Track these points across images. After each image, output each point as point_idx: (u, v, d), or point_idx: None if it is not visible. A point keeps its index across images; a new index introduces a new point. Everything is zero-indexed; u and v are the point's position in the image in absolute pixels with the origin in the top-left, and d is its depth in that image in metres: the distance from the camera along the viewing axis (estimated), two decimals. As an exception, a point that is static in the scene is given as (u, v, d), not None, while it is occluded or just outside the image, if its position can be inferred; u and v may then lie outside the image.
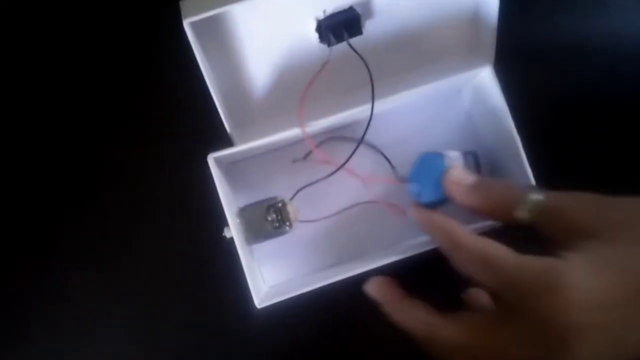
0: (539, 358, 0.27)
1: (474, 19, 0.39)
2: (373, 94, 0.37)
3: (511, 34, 0.39)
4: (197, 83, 0.35)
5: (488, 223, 0.35)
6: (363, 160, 0.42)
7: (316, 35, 0.37)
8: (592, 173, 0.43)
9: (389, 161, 0.42)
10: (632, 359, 0.26)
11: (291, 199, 0.40)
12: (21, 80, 0.44)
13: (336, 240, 0.42)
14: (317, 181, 0.41)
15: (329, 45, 0.37)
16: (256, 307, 0.36)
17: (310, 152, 0.41)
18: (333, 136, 0.42)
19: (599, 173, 0.43)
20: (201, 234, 0.42)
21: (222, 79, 0.37)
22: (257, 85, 0.39)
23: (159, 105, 0.43)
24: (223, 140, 0.39)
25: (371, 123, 0.40)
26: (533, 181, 0.37)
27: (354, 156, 0.39)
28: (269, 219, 0.38)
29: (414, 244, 0.38)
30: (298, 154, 0.42)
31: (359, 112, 0.38)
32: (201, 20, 0.32)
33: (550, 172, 0.36)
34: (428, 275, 0.37)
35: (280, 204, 0.38)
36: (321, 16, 0.36)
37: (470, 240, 0.29)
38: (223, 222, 0.37)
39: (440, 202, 0.35)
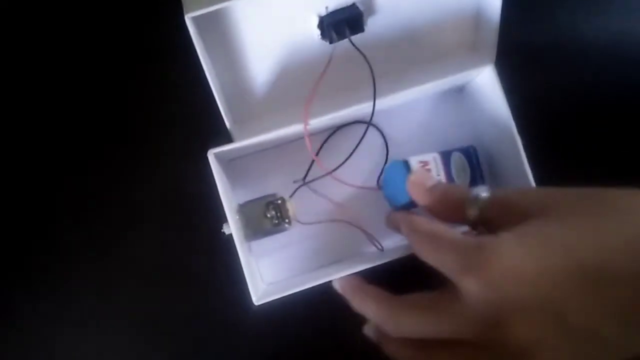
0: (478, 341, 0.27)
1: (476, 18, 0.39)
2: (375, 91, 0.37)
3: (512, 34, 0.39)
4: (198, 78, 0.35)
5: None
6: (362, 161, 0.42)
7: (318, 31, 0.37)
8: (592, 172, 0.42)
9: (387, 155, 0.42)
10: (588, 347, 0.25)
11: (291, 196, 0.40)
12: (21, 78, 0.43)
13: (334, 238, 0.42)
14: (316, 179, 0.41)
15: (330, 42, 0.37)
16: (254, 304, 0.36)
17: (308, 171, 0.42)
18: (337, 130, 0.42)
19: (599, 172, 0.42)
20: (200, 230, 0.41)
21: (222, 75, 0.37)
22: (258, 82, 0.39)
23: (159, 101, 0.43)
24: (223, 136, 0.38)
25: (372, 121, 0.40)
26: (532, 181, 0.37)
27: (353, 157, 0.40)
28: (268, 216, 0.38)
29: (406, 248, 0.38)
30: (298, 151, 0.41)
31: (359, 109, 0.38)
32: (203, 15, 0.31)
33: (550, 171, 0.36)
34: (423, 275, 0.37)
35: (279, 201, 0.38)
36: (323, 12, 0.36)
37: (423, 223, 0.32)
38: (222, 219, 0.37)
39: (411, 205, 0.37)
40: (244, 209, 0.38)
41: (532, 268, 0.26)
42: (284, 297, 0.36)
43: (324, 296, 0.37)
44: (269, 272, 0.41)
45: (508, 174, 0.40)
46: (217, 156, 0.37)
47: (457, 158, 0.40)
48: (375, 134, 0.43)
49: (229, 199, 0.37)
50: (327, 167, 0.41)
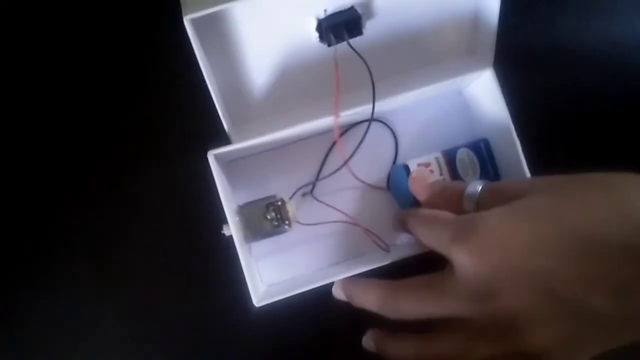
0: (473, 318, 0.28)
1: (474, 21, 0.40)
2: (374, 95, 0.37)
3: (511, 37, 0.39)
4: (197, 80, 0.35)
5: None
6: (363, 162, 0.42)
7: (316, 34, 0.37)
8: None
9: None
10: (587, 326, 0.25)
11: (291, 197, 0.40)
12: (21, 77, 0.43)
13: (335, 239, 0.42)
14: (317, 180, 0.41)
15: (329, 45, 0.37)
16: (254, 306, 0.36)
17: (314, 185, 0.42)
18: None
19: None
20: (200, 232, 0.41)
21: (221, 77, 0.37)
22: (257, 84, 0.39)
23: (158, 102, 0.43)
24: (223, 137, 0.39)
25: (372, 124, 0.40)
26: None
27: (362, 157, 0.40)
28: (268, 217, 0.38)
29: (410, 246, 0.38)
30: (298, 153, 0.42)
31: (358, 112, 0.38)
32: (202, 17, 0.32)
33: (549, 173, 0.36)
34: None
35: (279, 203, 0.38)
36: (322, 15, 0.36)
37: (423, 210, 0.34)
38: (222, 220, 0.37)
39: (412, 206, 0.39)
40: (243, 211, 0.38)
41: (520, 236, 0.26)
42: (284, 298, 0.36)
43: (324, 297, 0.37)
44: (269, 274, 0.41)
45: (508, 175, 0.40)
46: (217, 157, 0.37)
47: (463, 155, 0.40)
48: (385, 134, 0.43)
49: (228, 200, 0.37)
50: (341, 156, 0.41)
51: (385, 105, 0.39)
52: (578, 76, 0.44)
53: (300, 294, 0.36)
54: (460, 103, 0.43)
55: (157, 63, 0.43)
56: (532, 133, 0.38)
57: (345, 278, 0.36)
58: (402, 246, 0.41)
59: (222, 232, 0.37)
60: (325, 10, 0.36)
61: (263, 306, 0.36)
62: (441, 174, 0.40)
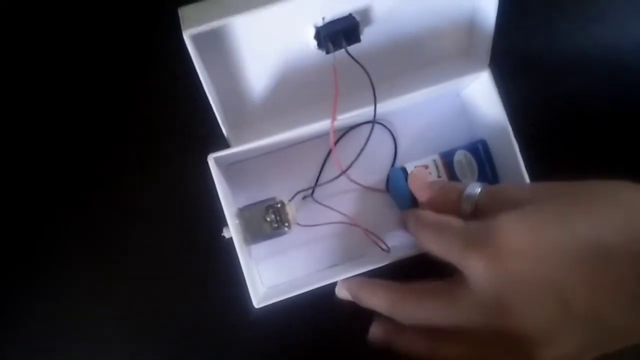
0: (486, 328, 0.27)
1: (471, 23, 0.40)
2: (375, 101, 0.37)
3: (508, 38, 0.39)
4: (196, 83, 0.35)
5: None
6: (362, 164, 0.42)
7: (315, 42, 0.37)
8: (590, 176, 0.43)
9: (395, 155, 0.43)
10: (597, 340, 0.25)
11: (290, 200, 0.41)
12: (22, 79, 0.44)
13: (334, 241, 0.42)
14: (316, 186, 0.42)
15: (327, 53, 0.37)
16: (254, 307, 0.36)
17: (314, 189, 0.42)
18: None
19: (597, 176, 0.43)
20: (200, 234, 0.42)
21: (220, 84, 0.37)
22: (255, 89, 0.39)
23: (158, 105, 0.44)
24: (223, 140, 0.39)
25: (367, 126, 0.40)
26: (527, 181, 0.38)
27: (361, 159, 0.40)
28: (268, 220, 0.38)
29: (409, 247, 0.38)
30: (297, 155, 0.42)
31: (357, 114, 0.38)
32: (201, 32, 0.32)
33: (547, 174, 0.36)
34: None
35: (279, 205, 0.39)
36: (320, 23, 0.36)
37: (427, 215, 0.33)
38: (222, 222, 0.37)
39: (412, 207, 0.39)
40: (243, 213, 0.38)
41: (534, 247, 0.26)
42: (284, 300, 0.36)
43: (324, 299, 0.37)
44: (269, 275, 0.42)
45: (506, 176, 0.40)
46: (217, 160, 0.38)
47: (461, 156, 0.41)
48: (383, 136, 0.43)
49: (228, 203, 0.37)
50: (338, 166, 0.41)
51: (383, 107, 0.39)
52: (574, 77, 0.45)
53: (300, 295, 0.36)
54: (458, 105, 0.43)
55: (157, 64, 0.43)
56: (529, 132, 0.38)
57: (349, 278, 0.36)
58: (401, 247, 0.41)
59: (222, 234, 0.37)
60: (323, 18, 0.36)
61: (263, 307, 0.36)
62: (439, 176, 0.40)
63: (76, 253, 0.43)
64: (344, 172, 0.40)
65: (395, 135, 0.43)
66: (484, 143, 0.41)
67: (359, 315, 0.34)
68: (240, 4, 0.32)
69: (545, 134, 0.43)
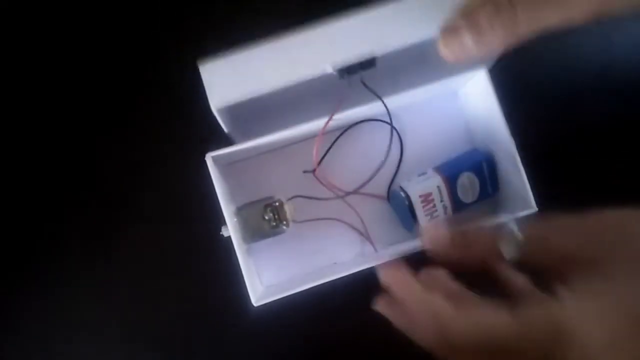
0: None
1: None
2: (390, 118, 0.37)
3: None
4: (197, 82, 0.35)
5: None
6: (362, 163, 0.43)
7: (331, 70, 0.34)
8: (588, 175, 0.43)
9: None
10: None
11: (289, 199, 0.41)
12: (24, 81, 0.44)
13: (332, 240, 0.42)
14: (314, 198, 0.42)
15: (340, 78, 0.35)
16: (253, 306, 0.36)
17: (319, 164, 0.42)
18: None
19: (595, 174, 0.43)
20: (199, 233, 0.42)
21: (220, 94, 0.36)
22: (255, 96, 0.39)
23: (158, 104, 0.44)
24: (222, 138, 0.39)
25: (365, 124, 0.40)
26: (527, 182, 0.38)
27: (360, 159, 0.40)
28: (266, 218, 0.39)
29: (406, 245, 0.38)
30: (296, 154, 0.42)
31: (355, 113, 0.38)
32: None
33: (544, 173, 0.37)
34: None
35: (277, 203, 0.39)
36: (339, 66, 0.34)
37: (460, 325, 0.28)
38: (220, 221, 0.37)
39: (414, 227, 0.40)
40: (242, 212, 0.39)
41: (608, 338, 0.25)
42: (282, 298, 0.36)
43: (322, 297, 0.37)
44: (268, 274, 0.42)
45: (503, 175, 0.41)
46: (215, 159, 0.38)
47: (464, 179, 0.41)
48: (382, 136, 0.43)
49: (227, 202, 0.37)
50: (332, 170, 0.42)
51: (381, 107, 0.39)
52: (572, 76, 0.45)
53: (298, 293, 0.36)
54: (456, 103, 0.43)
55: (157, 65, 0.44)
56: (527, 134, 0.38)
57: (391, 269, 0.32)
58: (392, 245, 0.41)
59: (221, 233, 0.38)
60: (342, 61, 0.34)
61: (262, 305, 0.37)
62: (442, 200, 0.40)
63: (77, 253, 0.43)
64: (346, 195, 0.40)
65: (400, 133, 0.43)
66: (488, 161, 0.41)
67: (359, 315, 0.34)
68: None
69: (545, 132, 0.43)
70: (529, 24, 0.27)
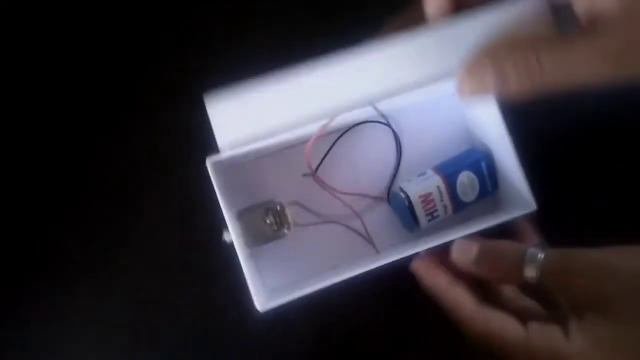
0: None
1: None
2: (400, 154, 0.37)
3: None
4: (197, 86, 0.35)
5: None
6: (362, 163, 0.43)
7: None
8: (588, 175, 0.44)
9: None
10: None
11: (290, 203, 0.41)
12: (24, 81, 0.44)
13: (333, 241, 0.42)
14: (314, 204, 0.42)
15: None
16: (258, 311, 0.36)
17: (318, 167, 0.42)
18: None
19: (595, 174, 0.44)
20: (200, 236, 0.42)
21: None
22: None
23: (158, 104, 0.43)
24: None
25: (364, 126, 0.40)
26: (525, 182, 0.38)
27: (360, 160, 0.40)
28: (268, 222, 0.38)
29: (407, 246, 0.38)
30: (297, 157, 0.42)
31: (355, 114, 0.38)
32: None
33: (543, 172, 0.37)
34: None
35: (278, 207, 0.38)
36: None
37: (475, 327, 0.31)
38: (222, 224, 0.37)
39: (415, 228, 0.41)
40: (243, 216, 0.38)
41: None
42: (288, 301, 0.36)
43: (327, 299, 0.37)
44: (271, 278, 0.42)
45: (503, 175, 0.41)
46: (216, 164, 0.37)
47: (464, 178, 0.41)
48: (381, 137, 0.43)
49: (228, 206, 0.37)
50: (332, 172, 0.42)
51: (380, 106, 0.39)
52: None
53: (303, 296, 0.36)
54: (454, 104, 0.43)
55: (157, 65, 0.43)
56: (526, 129, 0.39)
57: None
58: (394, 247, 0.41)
59: (223, 238, 0.37)
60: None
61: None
62: (442, 200, 0.40)
63: (77, 253, 0.43)
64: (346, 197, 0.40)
65: (398, 135, 0.43)
66: (487, 160, 0.41)
67: (363, 319, 0.35)
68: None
69: (544, 131, 0.43)
70: (553, 78, 0.28)
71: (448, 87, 0.41)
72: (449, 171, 0.41)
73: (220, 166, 0.38)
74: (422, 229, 0.41)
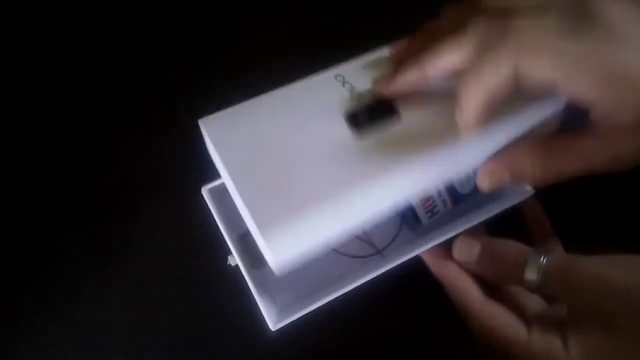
0: None
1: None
2: None
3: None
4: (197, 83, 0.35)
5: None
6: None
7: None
8: (587, 176, 0.43)
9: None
10: None
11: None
12: (24, 82, 0.44)
13: (340, 249, 0.42)
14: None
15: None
16: (271, 330, 0.36)
17: None
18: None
19: (594, 175, 0.43)
20: (201, 236, 0.42)
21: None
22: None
23: (158, 105, 0.44)
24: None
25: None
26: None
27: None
28: (271, 240, 0.38)
29: (416, 246, 0.38)
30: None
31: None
32: None
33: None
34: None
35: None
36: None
37: (481, 322, 0.32)
38: (226, 248, 0.37)
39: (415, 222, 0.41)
40: (245, 239, 0.38)
41: None
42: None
43: (335, 310, 0.38)
44: (281, 294, 0.42)
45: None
46: (212, 191, 0.37)
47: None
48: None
49: (230, 231, 0.37)
50: None
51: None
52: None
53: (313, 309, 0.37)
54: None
55: (160, 75, 0.44)
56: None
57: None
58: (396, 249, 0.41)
59: (228, 263, 0.37)
60: None
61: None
62: (440, 195, 0.40)
63: (77, 253, 0.43)
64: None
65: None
66: None
67: (375, 322, 0.35)
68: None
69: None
70: (570, 170, 0.29)
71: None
72: None
73: (216, 193, 0.38)
74: (425, 227, 0.41)
